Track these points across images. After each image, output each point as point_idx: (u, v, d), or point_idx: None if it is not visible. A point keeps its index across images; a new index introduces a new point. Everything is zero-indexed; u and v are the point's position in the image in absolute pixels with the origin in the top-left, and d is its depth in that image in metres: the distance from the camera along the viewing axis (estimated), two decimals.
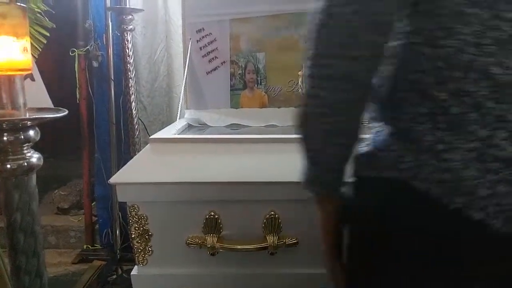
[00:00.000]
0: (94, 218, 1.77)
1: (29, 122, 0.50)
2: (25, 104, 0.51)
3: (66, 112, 0.56)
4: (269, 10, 1.14)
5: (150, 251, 0.79)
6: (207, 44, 1.14)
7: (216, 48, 1.15)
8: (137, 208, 0.78)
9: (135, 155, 1.47)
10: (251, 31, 1.14)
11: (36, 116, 0.52)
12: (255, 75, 1.16)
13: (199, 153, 0.80)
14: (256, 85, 1.16)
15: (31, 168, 0.53)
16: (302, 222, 0.74)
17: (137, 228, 0.79)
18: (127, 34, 1.37)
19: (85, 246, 1.76)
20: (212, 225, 0.77)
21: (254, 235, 0.78)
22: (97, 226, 1.76)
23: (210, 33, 1.14)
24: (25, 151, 0.52)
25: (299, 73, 1.09)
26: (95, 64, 1.62)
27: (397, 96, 0.44)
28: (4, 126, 0.49)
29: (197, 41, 1.14)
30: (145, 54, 1.57)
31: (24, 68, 0.50)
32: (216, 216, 0.77)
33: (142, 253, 0.80)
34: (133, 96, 1.43)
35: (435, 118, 0.41)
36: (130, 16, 1.36)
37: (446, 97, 0.41)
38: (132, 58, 1.42)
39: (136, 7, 1.43)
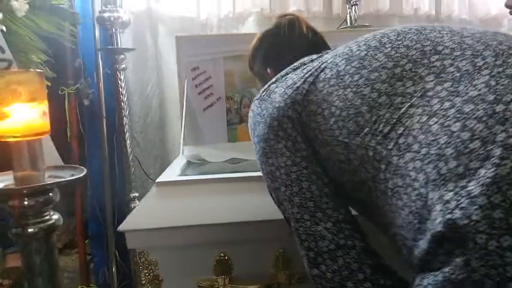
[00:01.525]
0: (88, 257, 1.73)
1: (48, 186, 0.51)
2: (43, 165, 0.51)
3: (85, 171, 0.57)
4: None
5: None
6: (202, 82, 1.17)
7: (212, 85, 1.17)
8: (146, 254, 0.78)
9: (131, 192, 1.47)
10: (245, 67, 1.17)
11: (56, 181, 0.52)
12: None
13: (206, 194, 0.81)
14: None
15: (51, 229, 0.53)
16: None
17: (147, 274, 0.78)
18: (119, 74, 1.39)
19: (79, 286, 1.72)
20: (223, 267, 0.78)
21: (265, 274, 0.78)
22: (92, 265, 1.73)
23: (205, 71, 1.17)
24: (45, 214, 0.52)
25: None
26: (86, 102, 1.62)
27: None
28: (25, 192, 0.49)
29: (193, 79, 1.16)
30: (136, 91, 1.58)
31: (42, 131, 0.51)
32: (227, 257, 0.78)
33: None
34: (127, 134, 1.43)
35: None
36: (122, 56, 1.38)
37: None
38: (126, 97, 1.43)
39: (126, 45, 1.45)
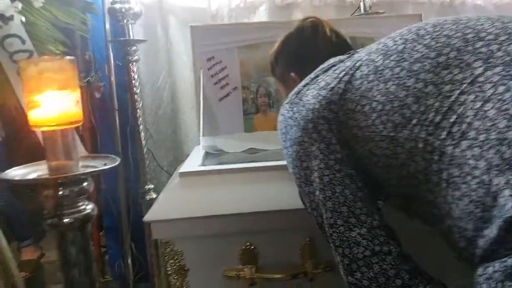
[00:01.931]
0: (103, 249, 1.74)
1: (83, 176, 0.50)
2: (77, 154, 0.51)
3: (119, 160, 0.56)
4: (275, 36, 1.16)
5: (187, 287, 0.79)
6: (218, 72, 1.16)
7: (227, 75, 1.16)
8: (172, 244, 0.77)
9: (146, 184, 1.47)
10: (260, 56, 1.16)
11: (90, 170, 0.52)
12: (267, 98, 1.17)
13: (230, 184, 0.81)
14: (268, 109, 1.17)
15: (86, 219, 0.52)
16: None
17: (173, 264, 0.78)
18: (132, 65, 1.38)
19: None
20: (249, 256, 0.77)
21: (292, 263, 0.78)
22: (106, 257, 1.73)
23: (221, 61, 1.15)
24: (80, 204, 0.52)
25: None
26: (97, 95, 1.61)
27: None
28: (59, 181, 0.49)
29: (208, 69, 1.15)
30: (148, 82, 1.57)
31: (76, 120, 0.50)
32: (253, 246, 0.77)
33: None
34: (141, 126, 1.42)
35: None
36: (135, 47, 1.37)
37: None
38: (139, 89, 1.42)
39: (136, 36, 1.43)
